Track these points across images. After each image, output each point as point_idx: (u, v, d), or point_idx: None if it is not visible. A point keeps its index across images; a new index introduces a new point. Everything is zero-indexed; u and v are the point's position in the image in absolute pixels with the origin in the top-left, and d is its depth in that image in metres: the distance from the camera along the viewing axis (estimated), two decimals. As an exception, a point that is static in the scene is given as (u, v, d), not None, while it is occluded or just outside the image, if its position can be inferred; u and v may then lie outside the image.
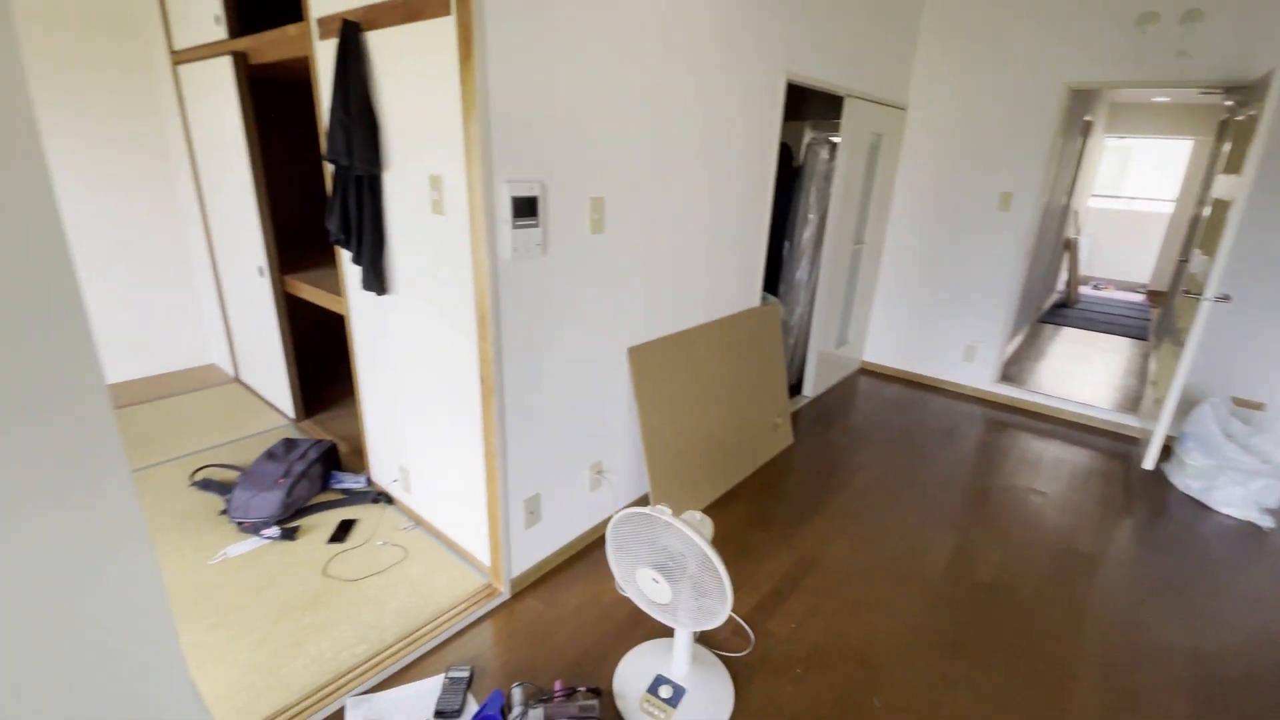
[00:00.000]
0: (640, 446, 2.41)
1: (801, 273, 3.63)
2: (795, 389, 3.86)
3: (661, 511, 1.55)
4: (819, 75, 2.89)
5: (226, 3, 2.63)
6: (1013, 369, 4.41)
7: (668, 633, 1.91)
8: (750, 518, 2.57)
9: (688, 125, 2.25)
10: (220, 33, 2.68)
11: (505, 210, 1.71)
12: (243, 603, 1.96)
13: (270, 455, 2.57)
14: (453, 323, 1.92)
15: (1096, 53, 3.26)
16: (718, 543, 2.35)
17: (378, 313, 2.26)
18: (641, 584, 1.64)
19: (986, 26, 3.55)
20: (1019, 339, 5.13)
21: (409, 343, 2.17)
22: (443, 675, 1.72)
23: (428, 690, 1.69)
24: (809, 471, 2.98)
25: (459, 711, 1.61)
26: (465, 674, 1.71)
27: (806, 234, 3.55)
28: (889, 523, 2.59)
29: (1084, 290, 7.38)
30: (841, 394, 3.96)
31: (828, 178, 3.43)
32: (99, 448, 0.93)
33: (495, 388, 1.84)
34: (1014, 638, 2.00)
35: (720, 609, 1.54)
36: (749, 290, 2.92)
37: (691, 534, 1.49)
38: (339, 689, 1.68)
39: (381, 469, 2.58)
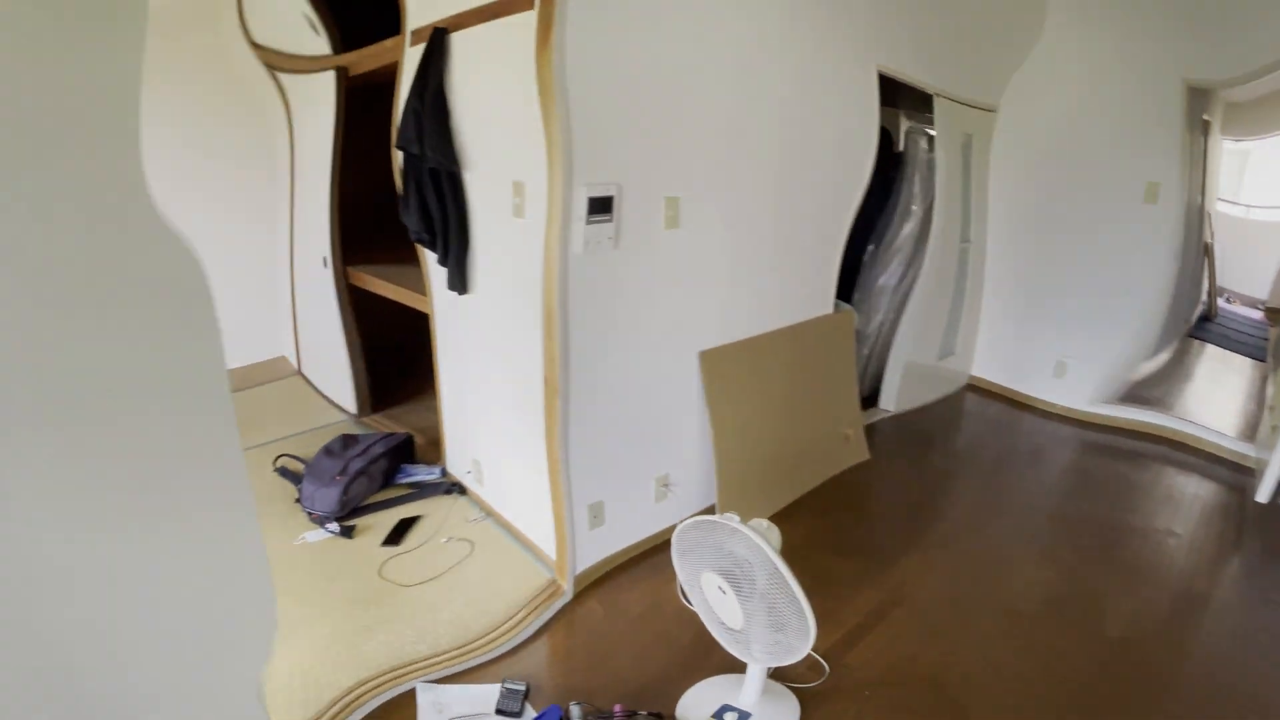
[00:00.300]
0: (706, 457, 2.29)
1: (888, 277, 3.31)
2: (870, 401, 3.57)
3: (730, 518, 1.46)
4: (907, 71, 2.71)
5: (328, 24, 2.69)
6: (1157, 390, 3.77)
7: (737, 667, 1.70)
8: (822, 535, 2.40)
9: (772, 120, 2.12)
10: (323, 47, 2.77)
11: (581, 208, 1.66)
12: (321, 586, 2.00)
13: (328, 451, 2.55)
14: (524, 322, 1.87)
15: (1225, 42, 2.89)
16: (789, 562, 2.21)
17: (455, 310, 2.26)
18: (707, 591, 1.54)
19: (1110, 13, 3.19)
20: (1164, 355, 4.33)
21: (483, 340, 2.15)
22: (499, 685, 1.65)
23: (488, 692, 1.65)
24: (886, 491, 2.78)
25: (519, 714, 1.57)
26: (521, 688, 1.63)
27: (908, 228, 3.20)
28: (975, 550, 2.35)
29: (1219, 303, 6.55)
30: (939, 411, 3.61)
31: (930, 167, 3.12)
32: (221, 425, 0.99)
33: (560, 389, 1.77)
34: (1129, 694, 1.74)
35: (800, 646, 1.40)
36: (824, 296, 2.77)
37: (762, 543, 1.40)
38: (409, 674, 1.68)
39: (458, 460, 2.58)
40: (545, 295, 1.73)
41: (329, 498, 2.32)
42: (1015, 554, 2.35)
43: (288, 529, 2.29)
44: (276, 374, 3.77)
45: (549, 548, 2.07)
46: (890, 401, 3.52)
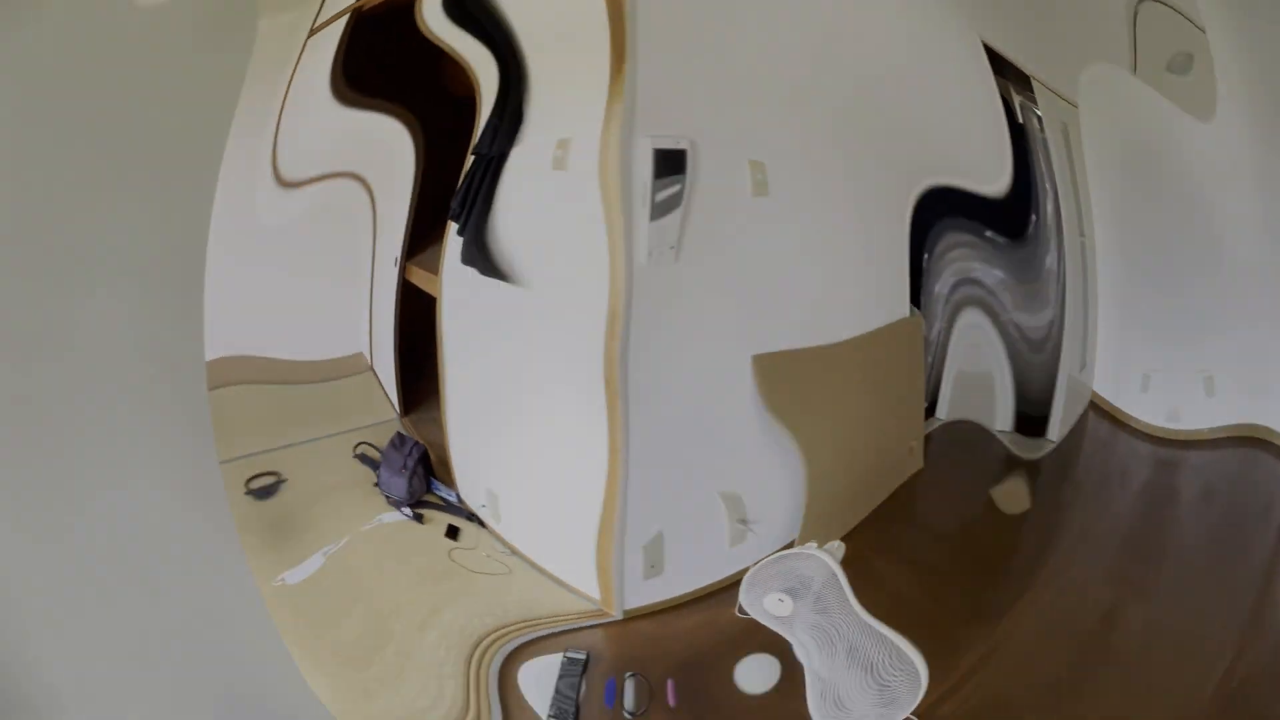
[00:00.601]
0: (789, 483, 1.96)
1: (942, 285, 3.08)
2: (929, 410, 3.33)
3: (808, 547, 1.40)
4: (1008, 49, 2.41)
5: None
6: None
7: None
8: (896, 556, 2.07)
9: (866, 81, 1.76)
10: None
11: (646, 164, 1.35)
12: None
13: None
14: (563, 309, 1.57)
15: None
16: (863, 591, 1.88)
17: (472, 294, 1.91)
18: (766, 604, 1.38)
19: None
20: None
21: (504, 334, 1.80)
22: (560, 655, 1.53)
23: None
24: (953, 508, 2.46)
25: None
26: (581, 656, 1.51)
27: (1050, 207, 2.97)
28: (1056, 581, 1.99)
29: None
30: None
31: (1046, 147, 2.88)
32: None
33: (620, 390, 1.45)
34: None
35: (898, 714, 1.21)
36: (900, 296, 2.45)
37: (833, 565, 1.09)
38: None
39: (470, 489, 2.27)
40: (611, 270, 1.37)
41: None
42: (1097, 582, 2.00)
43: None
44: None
45: (591, 590, 1.69)
46: (943, 410, 3.21)
